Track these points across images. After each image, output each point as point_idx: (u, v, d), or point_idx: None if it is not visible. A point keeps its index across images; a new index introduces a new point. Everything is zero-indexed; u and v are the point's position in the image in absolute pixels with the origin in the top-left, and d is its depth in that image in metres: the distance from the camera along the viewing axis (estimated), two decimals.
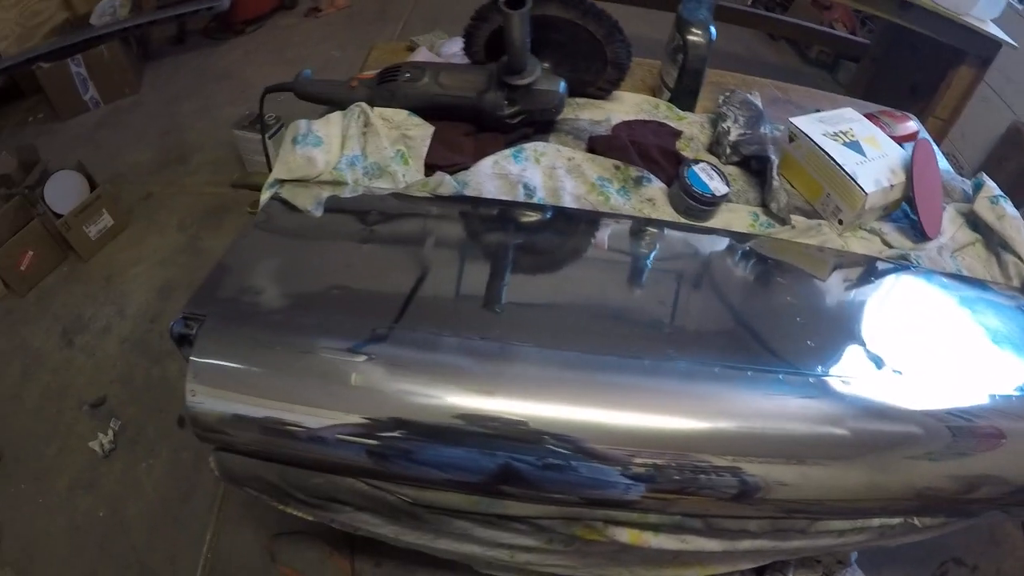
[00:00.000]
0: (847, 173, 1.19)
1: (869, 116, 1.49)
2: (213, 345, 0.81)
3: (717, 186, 1.11)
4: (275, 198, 1.06)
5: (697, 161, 1.14)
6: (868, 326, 0.98)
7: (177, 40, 3.26)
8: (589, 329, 0.89)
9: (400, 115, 1.17)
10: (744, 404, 0.82)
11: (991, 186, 1.39)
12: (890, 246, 1.23)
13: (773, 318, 0.98)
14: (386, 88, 1.18)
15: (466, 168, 1.11)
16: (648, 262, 1.05)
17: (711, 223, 1.13)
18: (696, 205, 1.11)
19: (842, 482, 0.83)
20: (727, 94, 1.33)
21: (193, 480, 1.64)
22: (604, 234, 1.08)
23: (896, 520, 0.94)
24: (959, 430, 0.85)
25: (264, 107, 1.30)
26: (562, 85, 1.15)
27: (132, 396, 1.81)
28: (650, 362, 0.83)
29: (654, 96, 1.38)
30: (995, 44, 2.27)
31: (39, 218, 2.06)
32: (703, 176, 1.11)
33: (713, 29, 1.27)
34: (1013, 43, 2.28)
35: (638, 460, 0.77)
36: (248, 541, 1.54)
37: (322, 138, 1.10)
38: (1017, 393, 0.90)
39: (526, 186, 1.08)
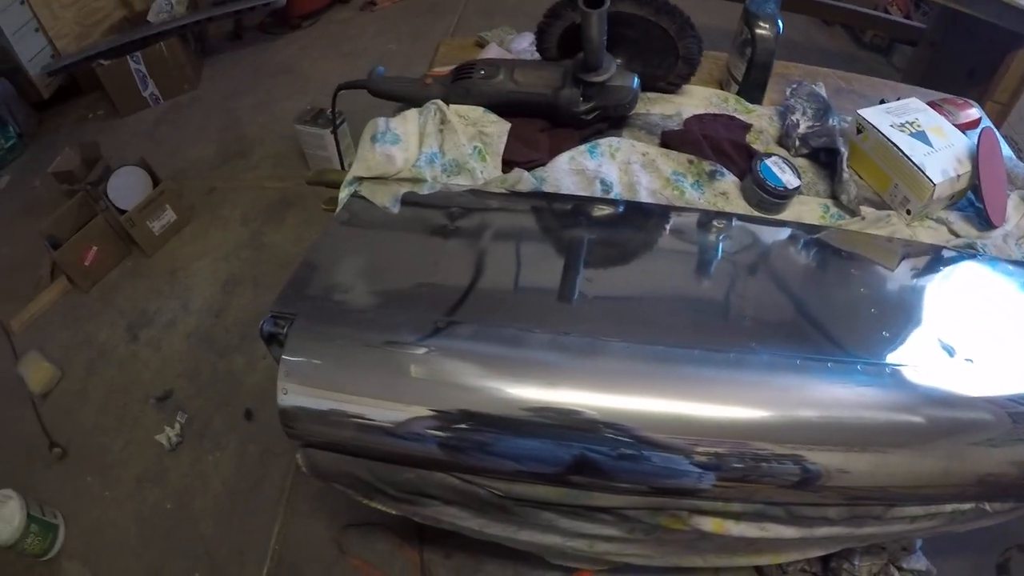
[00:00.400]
0: (915, 164, 1.20)
1: (932, 104, 1.50)
2: (303, 343, 0.85)
3: (789, 179, 1.12)
4: (355, 196, 1.10)
5: (769, 155, 1.16)
6: (938, 315, 1.00)
7: (234, 36, 3.33)
8: (669, 323, 0.92)
9: (476, 112, 1.20)
10: (829, 394, 0.85)
11: None
12: (957, 235, 1.24)
13: (848, 309, 0.99)
14: (461, 85, 1.20)
15: (543, 164, 1.13)
16: (724, 256, 1.07)
17: (783, 216, 1.16)
18: (769, 198, 1.13)
19: (918, 468, 0.85)
20: (794, 86, 1.34)
21: (260, 473, 1.69)
22: (680, 228, 1.10)
23: (968, 506, 0.96)
24: None
25: (331, 104, 1.33)
26: (635, 81, 1.17)
27: (198, 390, 1.86)
28: (735, 355, 0.85)
29: (722, 89, 1.40)
30: None
31: (103, 214, 2.13)
32: (775, 169, 1.13)
33: (780, 22, 1.29)
34: None
35: (734, 450, 0.80)
36: (317, 533, 1.58)
37: (400, 136, 1.13)
38: None
39: (603, 181, 1.10)
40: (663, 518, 0.93)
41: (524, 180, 1.09)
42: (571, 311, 0.92)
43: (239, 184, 2.50)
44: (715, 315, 0.95)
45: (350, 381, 0.84)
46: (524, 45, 1.40)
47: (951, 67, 2.83)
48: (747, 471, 0.82)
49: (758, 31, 1.28)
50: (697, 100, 1.34)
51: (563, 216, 1.10)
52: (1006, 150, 1.55)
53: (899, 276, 1.11)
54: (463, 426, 0.82)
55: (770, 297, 1.02)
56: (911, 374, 0.86)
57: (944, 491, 0.92)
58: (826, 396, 0.85)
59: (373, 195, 1.09)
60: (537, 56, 1.31)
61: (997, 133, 1.56)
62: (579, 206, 1.09)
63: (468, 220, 1.06)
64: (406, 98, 1.24)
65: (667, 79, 1.31)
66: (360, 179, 1.12)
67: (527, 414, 0.81)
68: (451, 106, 1.19)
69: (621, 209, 1.10)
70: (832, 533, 0.99)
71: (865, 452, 0.84)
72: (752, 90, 1.37)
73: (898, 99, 1.40)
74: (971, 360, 0.90)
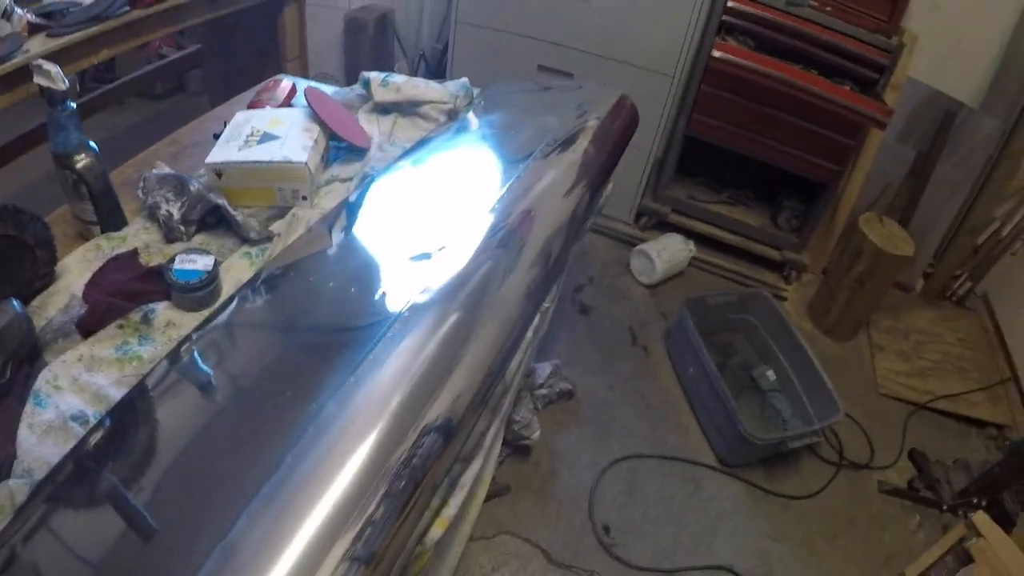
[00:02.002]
0: (279, 162, 1.39)
1: (254, 104, 1.71)
2: None
3: (205, 262, 1.23)
4: None
5: (171, 259, 1.25)
6: (402, 242, 1.23)
7: None
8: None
9: None
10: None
11: (375, 75, 1.72)
12: (350, 178, 1.49)
13: (352, 302, 1.16)
14: None
15: (13, 457, 1.04)
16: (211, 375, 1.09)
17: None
18: (200, 293, 1.23)
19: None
20: (141, 185, 1.43)
21: None
22: (167, 388, 1.07)
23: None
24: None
25: None
26: (15, 304, 1.12)
27: None
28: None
29: (87, 240, 1.40)
30: None
31: None
32: (187, 266, 1.23)
33: (93, 144, 1.33)
34: None
35: None
36: None
37: None
38: None
39: (73, 418, 1.08)
40: None
41: (10, 491, 0.99)
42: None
43: None
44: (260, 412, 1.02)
45: None
46: None
47: (242, 59, 3.20)
48: None
49: (79, 165, 1.31)
50: (76, 269, 1.33)
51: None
52: (329, 89, 1.84)
53: (345, 243, 1.29)
54: None
55: (273, 358, 1.13)
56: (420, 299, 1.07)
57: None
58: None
59: None
60: None
61: (313, 83, 1.84)
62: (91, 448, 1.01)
63: None
64: None
65: (39, 275, 1.28)
66: None
67: None
68: None
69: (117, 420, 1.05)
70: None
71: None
72: (111, 218, 1.40)
73: (225, 124, 1.58)
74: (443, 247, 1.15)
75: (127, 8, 2.12)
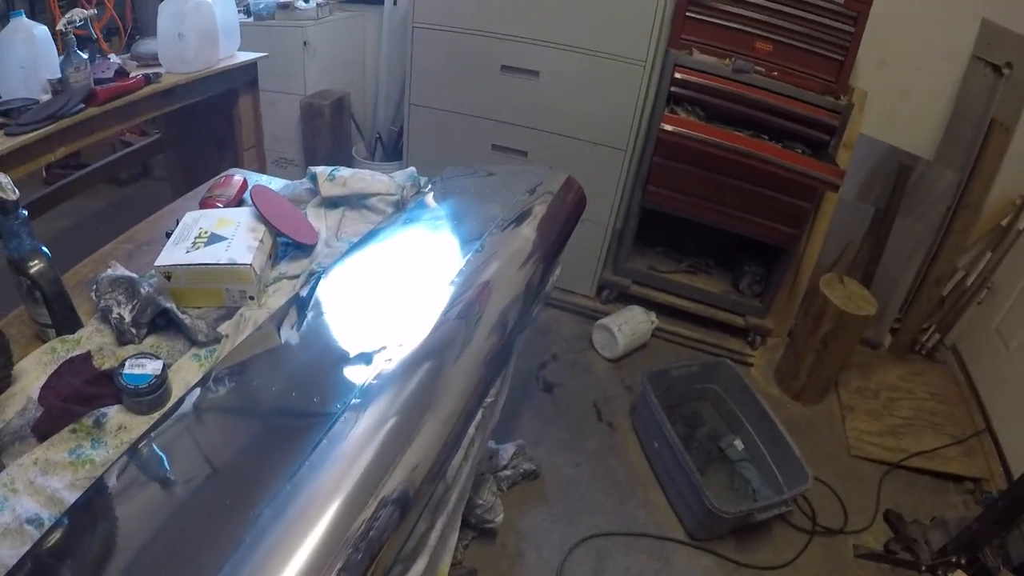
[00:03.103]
0: (225, 265, 1.50)
1: (206, 202, 1.83)
2: None
3: (154, 366, 1.31)
4: None
5: (122, 362, 1.34)
6: (352, 339, 1.32)
7: None
8: None
9: None
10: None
11: (321, 170, 1.84)
12: (296, 275, 1.60)
13: (293, 400, 1.25)
14: None
15: None
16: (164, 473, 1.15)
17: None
18: (150, 397, 1.30)
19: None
20: (94, 287, 1.52)
21: None
22: (118, 497, 1.12)
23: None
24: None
25: None
26: None
27: None
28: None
29: (44, 341, 1.47)
30: (251, 65, 2.93)
31: None
32: (136, 370, 1.31)
33: (45, 249, 1.41)
34: (262, 54, 2.98)
35: None
36: None
37: None
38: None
39: (28, 520, 1.13)
40: None
41: None
42: None
43: None
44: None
45: None
46: None
47: (200, 148, 3.39)
48: None
49: (33, 271, 1.39)
50: (33, 371, 1.39)
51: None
52: (279, 183, 1.97)
53: (293, 341, 1.39)
54: None
55: (224, 452, 1.21)
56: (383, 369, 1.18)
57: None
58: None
59: None
60: None
61: (264, 180, 1.96)
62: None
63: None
64: None
65: None
66: None
67: None
68: None
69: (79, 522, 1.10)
70: None
71: None
72: (66, 321, 1.47)
73: (177, 221, 1.69)
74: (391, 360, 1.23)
75: (82, 106, 2.26)
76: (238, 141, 3.01)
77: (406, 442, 1.09)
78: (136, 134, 4.12)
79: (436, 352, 1.26)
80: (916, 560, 2.61)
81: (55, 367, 1.41)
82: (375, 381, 1.17)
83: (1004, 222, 3.49)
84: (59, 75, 2.37)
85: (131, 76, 2.55)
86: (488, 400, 1.41)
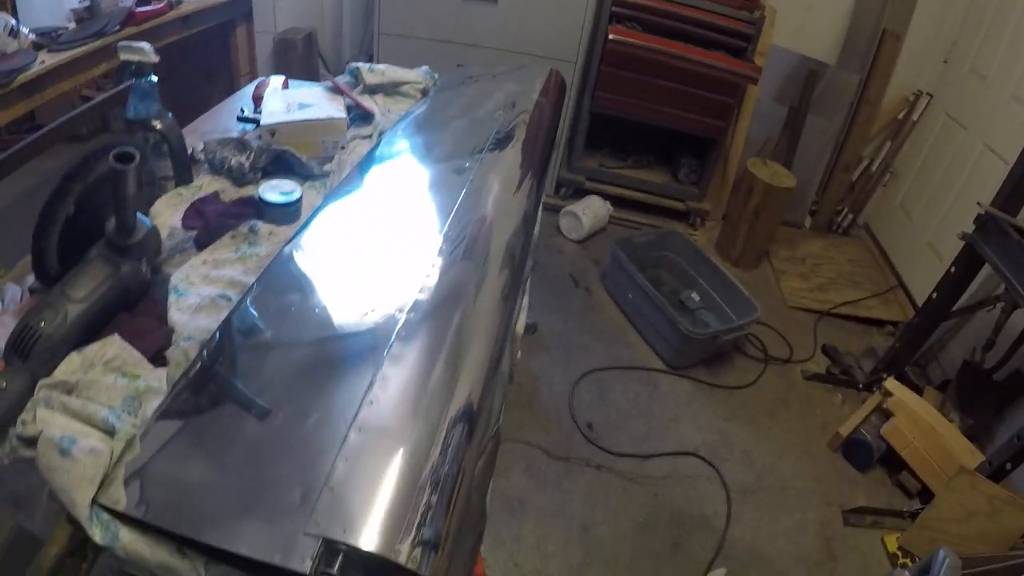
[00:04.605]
0: (324, 119, 1.77)
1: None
2: None
3: (289, 186, 1.56)
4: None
5: (258, 185, 1.59)
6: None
7: None
8: None
9: (73, 362, 1.12)
10: None
11: (360, 64, 2.15)
12: (368, 136, 1.89)
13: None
14: (38, 354, 1.09)
15: (166, 340, 1.21)
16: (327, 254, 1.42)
17: None
18: (292, 210, 1.55)
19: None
20: (202, 149, 1.74)
21: None
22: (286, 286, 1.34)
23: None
24: None
25: None
26: (146, 220, 1.31)
27: None
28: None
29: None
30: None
31: None
32: (275, 192, 1.55)
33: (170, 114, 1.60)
34: None
35: None
36: None
37: (76, 435, 1.01)
38: None
39: (218, 297, 1.32)
40: None
41: (186, 350, 1.19)
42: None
43: None
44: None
45: None
46: (10, 295, 1.34)
47: (190, 84, 3.49)
48: None
49: (162, 125, 1.57)
50: (165, 212, 1.55)
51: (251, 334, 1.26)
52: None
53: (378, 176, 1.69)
54: None
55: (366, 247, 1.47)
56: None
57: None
58: None
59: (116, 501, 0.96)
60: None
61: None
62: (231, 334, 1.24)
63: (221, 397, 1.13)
64: None
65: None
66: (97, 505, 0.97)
67: None
68: (55, 376, 1.10)
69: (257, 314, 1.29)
70: None
71: None
72: (185, 173, 1.66)
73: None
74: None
75: (118, 28, 2.45)
76: (234, 68, 3.19)
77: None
78: (93, 90, 4.12)
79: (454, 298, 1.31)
80: (854, 380, 3.09)
81: (188, 207, 1.59)
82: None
83: (900, 115, 3.98)
84: (85, 3, 2.52)
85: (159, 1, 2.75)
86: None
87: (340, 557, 0.83)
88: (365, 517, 0.88)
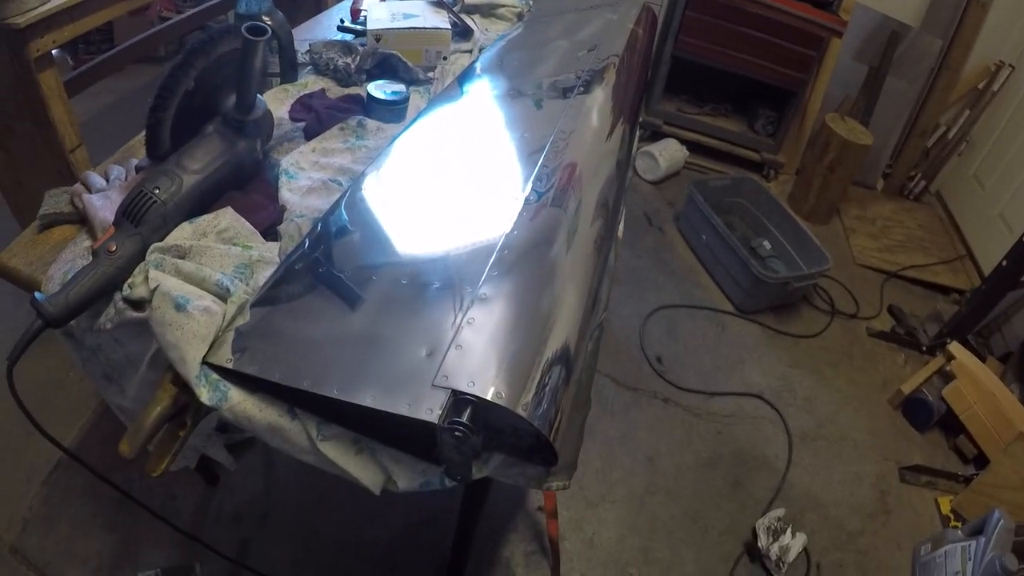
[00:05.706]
0: (430, 28, 1.76)
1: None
2: None
3: (397, 87, 1.54)
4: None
5: (363, 86, 1.59)
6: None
7: None
8: None
9: (185, 230, 1.13)
10: None
11: None
12: (468, 51, 1.88)
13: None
14: (150, 220, 1.08)
15: (279, 214, 1.24)
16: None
17: None
18: (399, 108, 1.53)
19: None
20: (308, 49, 1.72)
21: None
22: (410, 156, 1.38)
23: None
24: None
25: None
26: (263, 101, 1.31)
27: None
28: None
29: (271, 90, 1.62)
30: None
31: None
32: (384, 90, 1.53)
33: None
34: None
35: None
36: None
37: (188, 294, 0.99)
38: None
39: (329, 180, 1.32)
40: None
41: (302, 224, 1.20)
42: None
43: None
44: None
45: None
46: (115, 173, 1.32)
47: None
48: None
49: (273, 21, 1.53)
50: (272, 104, 1.50)
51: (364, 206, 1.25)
52: None
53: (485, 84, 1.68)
54: None
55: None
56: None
57: None
58: None
59: (228, 360, 0.97)
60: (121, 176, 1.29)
61: None
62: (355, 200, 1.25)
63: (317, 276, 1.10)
64: (103, 288, 1.03)
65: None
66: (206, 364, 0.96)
67: None
68: (167, 241, 1.10)
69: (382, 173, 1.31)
70: None
71: None
72: (291, 72, 1.66)
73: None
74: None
75: None
76: None
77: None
78: (171, 11, 3.99)
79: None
80: (917, 342, 3.01)
81: (293, 102, 1.59)
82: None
83: (980, 85, 3.78)
84: None
85: None
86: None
87: (469, 409, 0.83)
88: (491, 374, 0.86)
